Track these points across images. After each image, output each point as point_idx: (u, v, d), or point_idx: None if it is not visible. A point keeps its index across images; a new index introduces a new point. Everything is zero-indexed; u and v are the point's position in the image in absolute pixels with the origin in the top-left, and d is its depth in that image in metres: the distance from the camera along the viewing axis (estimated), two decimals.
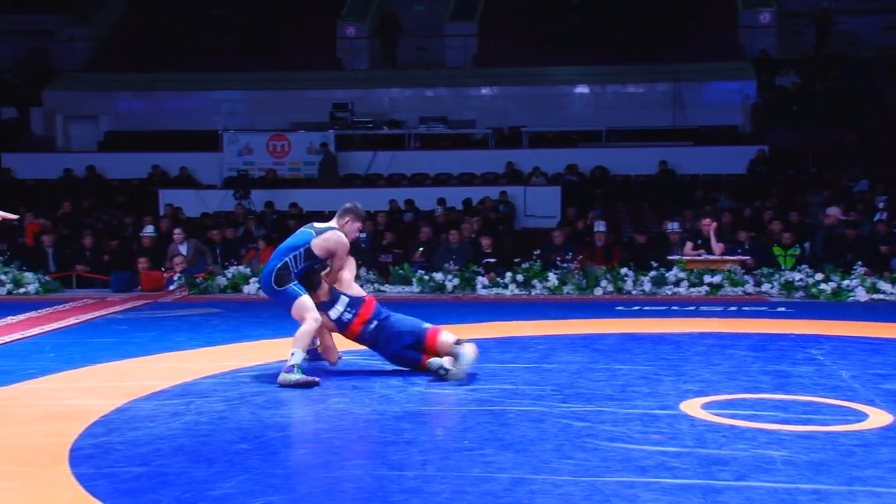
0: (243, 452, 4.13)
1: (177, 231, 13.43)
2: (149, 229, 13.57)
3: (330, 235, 6.00)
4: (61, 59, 23.46)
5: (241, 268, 12.16)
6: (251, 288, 11.76)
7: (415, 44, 23.42)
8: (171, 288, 12.00)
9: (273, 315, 9.63)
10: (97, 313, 9.70)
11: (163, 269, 12.55)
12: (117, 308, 10.21)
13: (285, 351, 6.77)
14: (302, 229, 6.19)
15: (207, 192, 18.14)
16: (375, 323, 6.01)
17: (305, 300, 5.86)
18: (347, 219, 6.14)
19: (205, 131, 20.76)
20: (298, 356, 5.70)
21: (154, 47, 22.82)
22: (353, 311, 6.03)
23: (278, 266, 5.90)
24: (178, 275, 12.15)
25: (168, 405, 5.13)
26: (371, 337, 6.02)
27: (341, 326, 6.06)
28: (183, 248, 13.00)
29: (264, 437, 4.41)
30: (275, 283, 5.90)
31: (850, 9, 22.68)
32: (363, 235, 13.90)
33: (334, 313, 6.03)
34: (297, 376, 5.59)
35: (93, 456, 4.10)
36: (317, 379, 5.62)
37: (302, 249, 5.93)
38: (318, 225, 6.14)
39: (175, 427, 4.61)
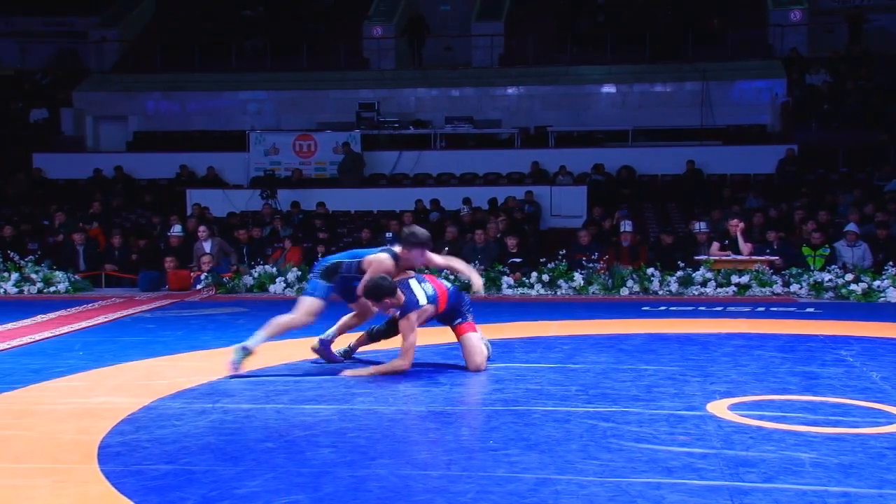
0: (269, 451, 4.15)
1: (202, 228, 13.53)
2: (176, 229, 13.67)
3: (375, 256, 6.07)
4: (91, 60, 23.77)
5: (268, 267, 12.22)
6: (277, 287, 11.82)
7: (441, 44, 23.44)
8: (198, 287, 12.09)
9: None
10: (125, 312, 9.79)
11: (190, 267, 12.64)
12: (145, 307, 10.30)
13: (310, 350, 6.83)
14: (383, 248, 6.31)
15: (234, 192, 18.26)
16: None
17: (312, 302, 6.02)
18: (404, 249, 6.10)
19: (232, 131, 20.94)
20: (256, 340, 5.91)
21: (182, 48, 23.02)
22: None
23: (334, 261, 6.15)
24: (205, 274, 12.24)
25: (195, 404, 5.16)
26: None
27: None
28: (207, 246, 13.09)
29: (290, 435, 4.42)
30: (322, 272, 6.11)
31: (884, 6, 22.40)
32: (389, 235, 13.95)
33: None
34: (236, 356, 5.85)
35: (121, 453, 4.14)
36: (238, 372, 5.84)
37: (357, 261, 6.09)
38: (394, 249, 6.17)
39: (201, 425, 4.64)
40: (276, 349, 7.18)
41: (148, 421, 4.75)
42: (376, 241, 13.87)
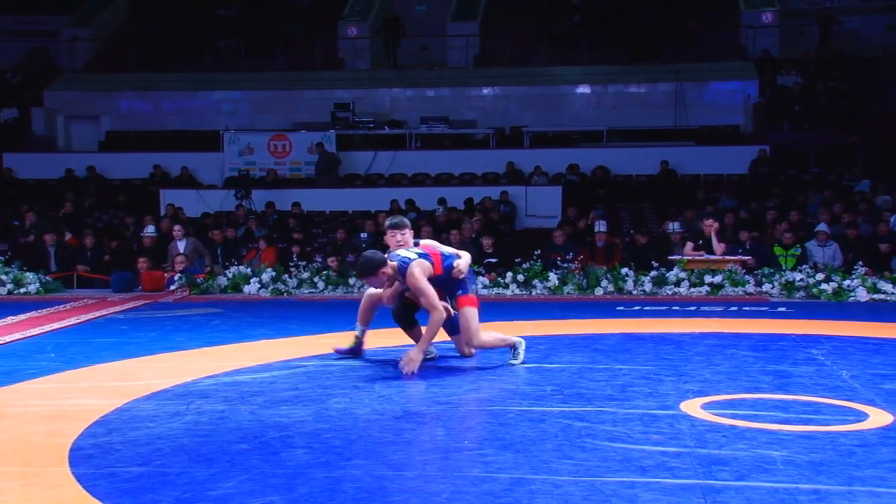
0: (243, 452, 4.13)
1: (176, 228, 13.46)
2: (150, 229, 13.58)
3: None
4: (63, 59, 23.53)
5: (242, 268, 12.16)
6: (252, 288, 11.77)
7: (417, 44, 23.44)
8: (172, 288, 12.01)
9: (274, 315, 9.67)
10: (98, 313, 9.71)
11: (163, 268, 12.55)
12: (118, 308, 10.22)
13: (286, 351, 6.83)
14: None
15: (208, 192, 18.16)
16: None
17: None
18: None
19: (206, 131, 20.82)
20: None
21: (155, 47, 22.85)
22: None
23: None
24: (179, 275, 12.16)
25: (168, 405, 5.13)
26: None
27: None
28: (181, 246, 13.01)
29: (264, 437, 4.41)
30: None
31: (853, 8, 22.68)
32: (364, 235, 13.94)
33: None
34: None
35: (93, 456, 4.11)
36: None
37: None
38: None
39: (175, 427, 4.61)
40: (252, 350, 7.16)
41: (121, 423, 4.72)
42: (351, 242, 13.91)
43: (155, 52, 22.83)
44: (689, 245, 12.20)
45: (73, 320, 9.09)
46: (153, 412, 4.96)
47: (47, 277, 12.21)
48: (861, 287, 10.71)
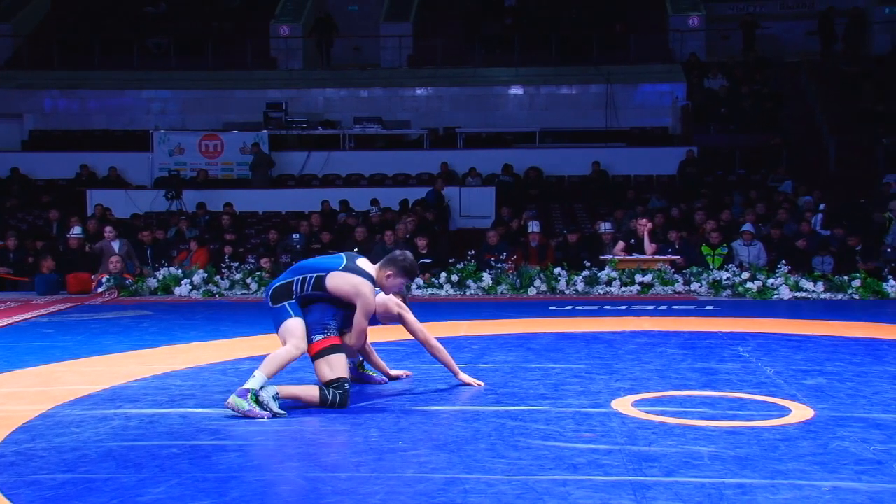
0: (174, 457, 4.07)
1: (108, 229, 13.21)
2: (76, 230, 13.27)
3: (354, 280, 5.12)
4: None
5: (173, 269, 11.97)
6: (183, 290, 11.59)
7: (349, 44, 23.34)
8: (100, 290, 11.75)
9: (206, 317, 9.54)
10: (21, 316, 9.44)
11: (93, 278, 12.25)
12: (42, 311, 9.95)
13: (217, 353, 6.72)
14: (338, 255, 5.40)
15: (137, 193, 17.82)
16: None
17: (294, 324, 5.11)
18: (390, 272, 5.25)
19: (135, 131, 20.43)
20: (258, 380, 4.86)
21: (81, 44, 22.31)
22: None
23: (281, 284, 5.26)
24: (107, 277, 11.91)
25: (95, 410, 5.02)
26: None
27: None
28: (115, 246, 12.78)
29: (195, 440, 4.35)
30: (271, 298, 5.27)
31: (775, 14, 23.30)
32: (297, 236, 13.83)
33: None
34: (248, 405, 4.78)
35: (15, 463, 4.00)
36: (266, 414, 4.78)
37: (315, 276, 5.18)
38: (360, 262, 5.30)
39: (102, 432, 4.51)
40: (183, 353, 7.05)
41: (45, 429, 4.60)
42: (283, 243, 13.79)
43: (80, 50, 22.29)
44: (620, 244, 12.39)
45: None
46: (79, 417, 4.85)
47: None
48: (784, 285, 11.01)
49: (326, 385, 5.04)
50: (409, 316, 5.49)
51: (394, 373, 5.89)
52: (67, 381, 5.93)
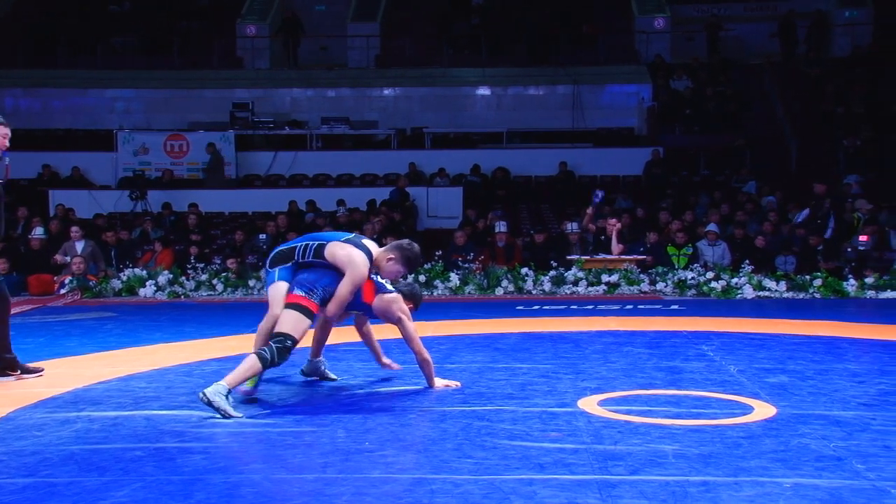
0: (137, 460, 4.03)
1: (74, 229, 13.08)
2: (38, 231, 13.10)
3: (350, 250, 5.16)
4: None
5: (137, 270, 11.85)
6: (148, 291, 11.49)
7: (316, 44, 23.25)
8: (63, 292, 11.61)
9: (171, 318, 9.45)
10: None
11: (55, 279, 12.10)
12: None
13: (182, 354, 6.65)
14: (346, 233, 5.60)
15: (101, 193, 17.63)
16: None
17: (276, 289, 5.17)
18: (392, 256, 5.32)
19: (99, 130, 20.19)
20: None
21: (44, 43, 22.00)
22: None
23: (285, 248, 5.36)
24: (70, 278, 11.77)
25: (57, 413, 4.96)
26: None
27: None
28: (79, 247, 12.63)
29: (160, 443, 4.31)
30: (270, 262, 5.37)
31: (739, 17, 23.58)
32: (264, 237, 13.76)
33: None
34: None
35: None
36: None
37: (317, 244, 5.24)
38: (365, 241, 5.36)
39: (65, 435, 4.46)
40: (148, 354, 6.98)
41: (5, 433, 4.53)
42: (250, 244, 13.69)
43: (43, 48, 21.98)
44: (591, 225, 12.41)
45: None
46: (41, 420, 4.78)
47: None
48: (748, 285, 11.14)
49: (272, 338, 5.00)
50: (408, 324, 5.46)
51: (385, 360, 5.89)
52: (29, 383, 5.85)
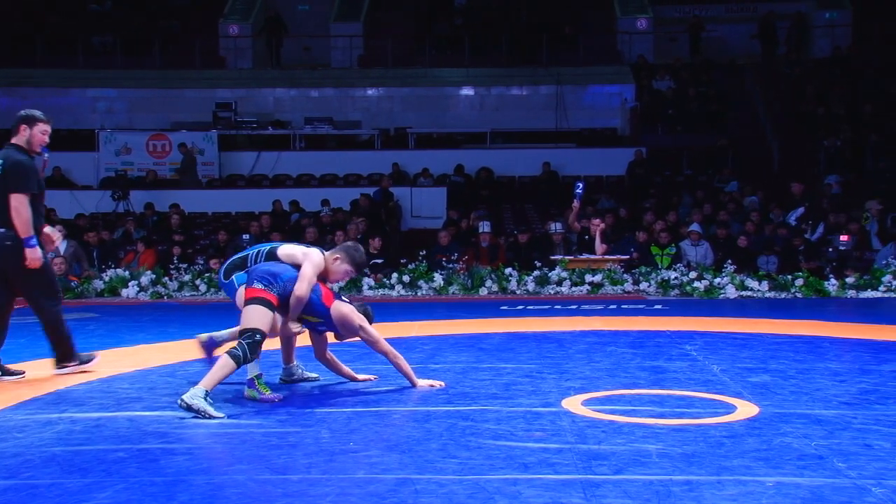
0: (120, 461, 4.00)
1: (58, 227, 12.95)
2: None
3: (305, 248, 5.42)
4: None
5: (119, 270, 11.78)
6: (130, 291, 11.43)
7: (300, 44, 23.20)
8: None
9: (153, 319, 9.40)
10: None
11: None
12: None
13: (165, 355, 6.61)
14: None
15: (83, 193, 17.52)
16: None
17: (242, 292, 5.29)
18: (338, 256, 5.49)
19: (80, 130, 20.06)
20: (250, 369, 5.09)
21: (25, 41, 21.85)
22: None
23: (237, 257, 5.51)
24: None
25: (39, 414, 4.92)
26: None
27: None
28: (61, 247, 12.53)
29: (143, 444, 4.28)
30: (224, 274, 5.51)
31: (720, 18, 23.72)
32: (247, 237, 13.71)
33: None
34: (259, 394, 5.05)
35: None
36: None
37: (269, 248, 5.46)
38: (312, 249, 5.54)
39: (46, 437, 4.43)
40: (130, 355, 6.95)
41: None
42: (233, 244, 13.64)
43: (23, 47, 21.82)
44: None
45: None
46: (22, 422, 4.74)
47: None
48: (730, 284, 11.20)
49: (240, 335, 5.06)
50: (370, 329, 5.51)
51: (361, 377, 5.86)
52: (10, 385, 5.81)
